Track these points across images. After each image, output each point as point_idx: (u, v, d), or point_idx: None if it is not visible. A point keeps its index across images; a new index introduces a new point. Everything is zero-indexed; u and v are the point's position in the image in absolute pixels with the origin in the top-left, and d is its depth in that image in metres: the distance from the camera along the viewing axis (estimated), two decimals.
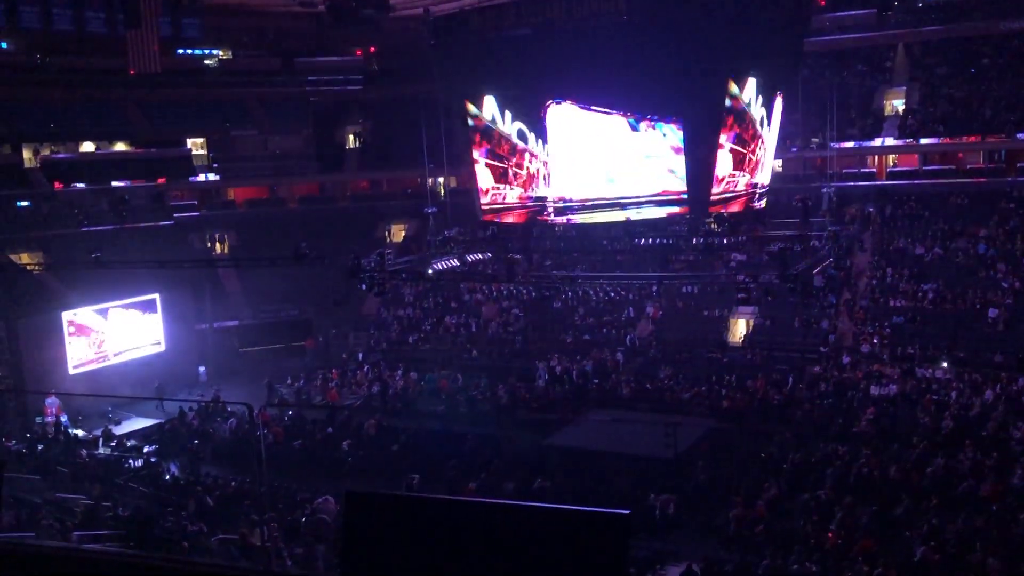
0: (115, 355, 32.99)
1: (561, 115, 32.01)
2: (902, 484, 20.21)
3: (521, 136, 33.12)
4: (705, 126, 30.52)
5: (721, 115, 30.29)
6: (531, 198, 34.07)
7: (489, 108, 33.58)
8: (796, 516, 19.40)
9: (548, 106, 31.96)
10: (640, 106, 30.90)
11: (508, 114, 33.24)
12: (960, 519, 17.71)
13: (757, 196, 33.99)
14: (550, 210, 33.77)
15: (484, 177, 34.83)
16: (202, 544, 15.99)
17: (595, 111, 31.53)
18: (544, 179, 33.24)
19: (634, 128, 31.43)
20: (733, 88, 30.41)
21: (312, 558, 14.83)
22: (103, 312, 32.45)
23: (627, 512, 2.37)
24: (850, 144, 40.17)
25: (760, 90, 31.50)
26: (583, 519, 2.42)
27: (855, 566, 16.06)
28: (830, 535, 17.77)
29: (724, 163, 31.24)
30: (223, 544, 16.24)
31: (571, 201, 33.45)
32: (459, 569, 2.45)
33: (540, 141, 32.75)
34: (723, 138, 30.73)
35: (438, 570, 2.49)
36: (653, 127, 31.29)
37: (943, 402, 26.14)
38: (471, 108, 33.92)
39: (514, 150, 33.46)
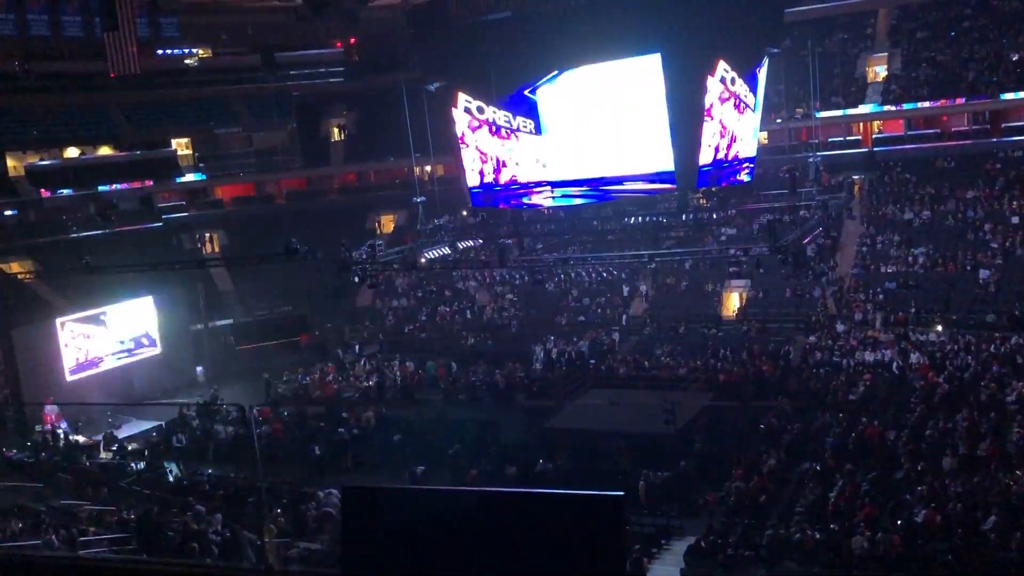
0: (111, 359, 32.93)
1: (552, 95, 31.46)
2: (901, 448, 20.35)
3: (508, 118, 32.59)
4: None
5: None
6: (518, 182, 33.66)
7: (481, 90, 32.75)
8: (797, 485, 19.53)
9: (539, 87, 31.22)
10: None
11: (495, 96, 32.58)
12: (959, 480, 17.85)
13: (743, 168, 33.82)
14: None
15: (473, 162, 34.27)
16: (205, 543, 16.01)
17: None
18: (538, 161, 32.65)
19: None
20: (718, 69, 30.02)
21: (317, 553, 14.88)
22: (97, 317, 32.35)
23: (621, 493, 2.40)
24: (836, 112, 40.16)
25: (744, 66, 31.12)
26: (578, 503, 2.44)
27: (858, 532, 16.18)
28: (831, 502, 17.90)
29: (711, 131, 30.85)
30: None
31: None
32: (458, 559, 2.48)
33: (531, 123, 32.10)
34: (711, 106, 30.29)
35: (438, 560, 2.51)
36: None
37: (938, 365, 26.26)
38: (460, 95, 33.50)
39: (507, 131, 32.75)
